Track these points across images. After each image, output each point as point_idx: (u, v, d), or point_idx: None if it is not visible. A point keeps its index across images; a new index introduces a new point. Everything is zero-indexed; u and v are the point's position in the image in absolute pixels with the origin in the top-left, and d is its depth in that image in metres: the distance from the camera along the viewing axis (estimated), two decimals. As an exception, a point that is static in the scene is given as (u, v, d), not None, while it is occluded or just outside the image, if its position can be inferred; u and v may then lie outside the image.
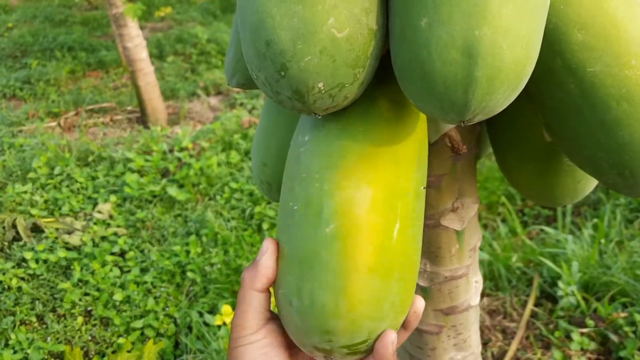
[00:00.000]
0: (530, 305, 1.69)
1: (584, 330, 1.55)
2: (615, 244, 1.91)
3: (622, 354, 1.44)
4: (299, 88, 0.39)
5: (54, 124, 3.59)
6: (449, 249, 0.66)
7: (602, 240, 1.92)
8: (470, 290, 0.70)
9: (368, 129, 0.46)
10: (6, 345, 2.04)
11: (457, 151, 0.53)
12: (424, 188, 0.47)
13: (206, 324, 2.14)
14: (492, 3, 0.35)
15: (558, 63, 0.47)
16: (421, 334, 0.73)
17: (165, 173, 2.86)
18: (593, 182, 0.64)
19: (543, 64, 0.46)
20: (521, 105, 0.54)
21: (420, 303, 0.49)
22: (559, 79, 0.47)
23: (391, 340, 0.44)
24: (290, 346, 0.49)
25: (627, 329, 1.49)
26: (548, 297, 1.77)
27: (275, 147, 0.60)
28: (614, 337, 1.50)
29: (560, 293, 1.64)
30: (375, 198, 0.44)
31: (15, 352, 2.01)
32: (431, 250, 0.66)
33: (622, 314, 1.53)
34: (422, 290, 0.69)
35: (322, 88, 0.40)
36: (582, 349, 1.52)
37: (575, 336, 1.52)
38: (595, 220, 2.10)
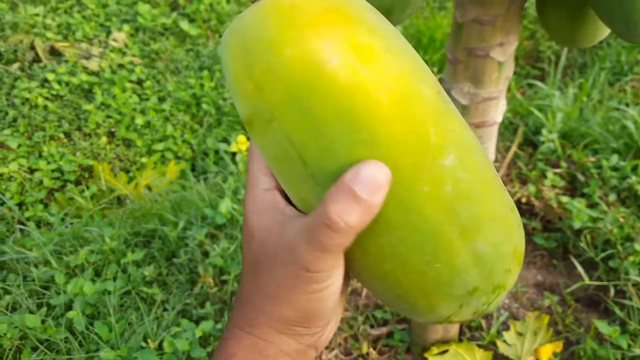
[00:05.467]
0: (514, 148, 1.95)
1: (558, 170, 1.83)
2: (597, 102, 2.15)
3: (585, 190, 1.74)
4: None
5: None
6: (491, 76, 0.85)
7: (585, 99, 2.15)
8: (499, 109, 0.91)
9: None
10: (40, 156, 2.24)
11: (520, -6, 0.69)
12: None
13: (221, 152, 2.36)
14: None
15: None
16: (455, 142, 0.95)
17: (174, 7, 2.88)
18: (606, 31, 0.83)
19: None
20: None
21: None
22: None
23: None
24: None
25: (593, 171, 1.78)
26: (531, 144, 2.04)
27: None
28: (581, 177, 1.79)
29: (542, 139, 1.90)
30: None
31: (49, 163, 2.22)
32: (477, 76, 0.85)
33: (592, 159, 1.81)
34: (462, 108, 0.90)
35: None
36: (553, 186, 1.81)
37: (549, 175, 1.80)
38: (581, 80, 2.31)
